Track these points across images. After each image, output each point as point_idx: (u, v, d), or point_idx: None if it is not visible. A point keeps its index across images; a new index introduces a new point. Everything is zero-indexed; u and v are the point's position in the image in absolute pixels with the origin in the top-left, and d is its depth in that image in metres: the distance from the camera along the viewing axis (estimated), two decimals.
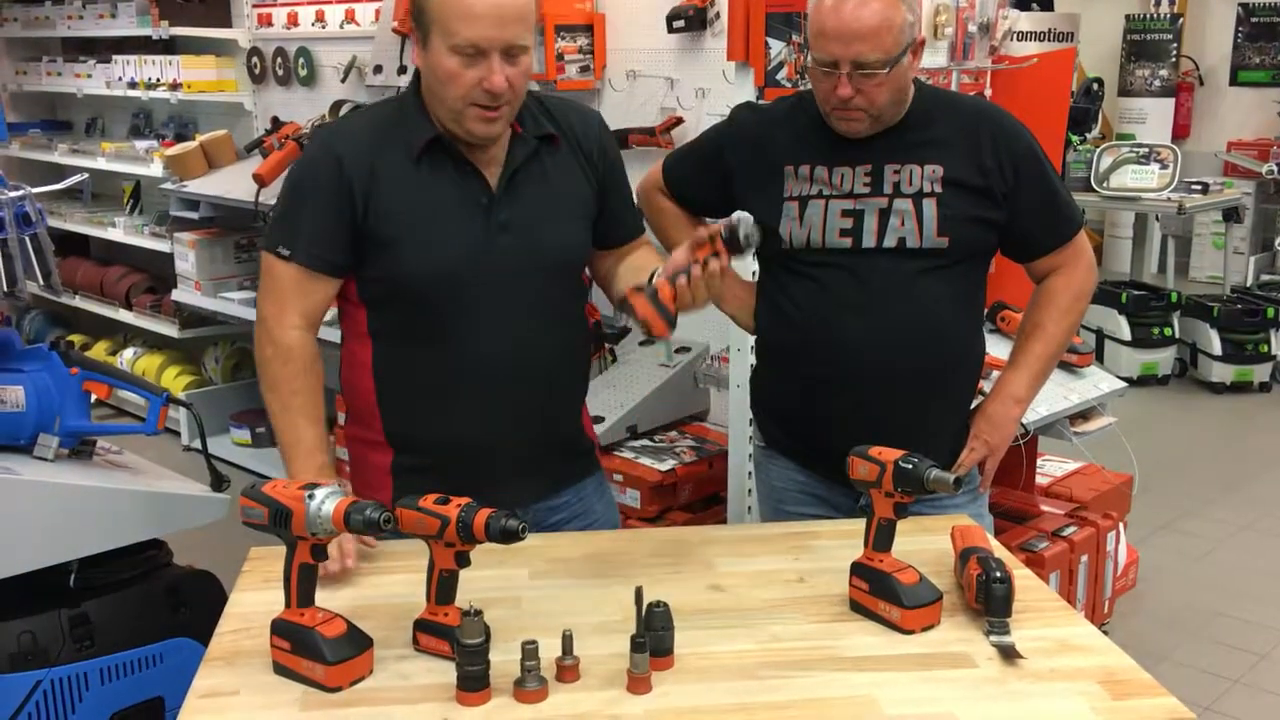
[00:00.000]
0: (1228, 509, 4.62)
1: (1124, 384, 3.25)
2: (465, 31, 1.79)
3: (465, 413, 1.96)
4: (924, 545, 1.90)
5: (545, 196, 1.97)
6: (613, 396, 3.57)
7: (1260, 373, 6.15)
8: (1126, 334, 6.19)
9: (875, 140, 2.09)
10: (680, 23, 3.39)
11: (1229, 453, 5.35)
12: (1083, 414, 3.13)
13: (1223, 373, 6.13)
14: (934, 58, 3.23)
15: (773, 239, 2.14)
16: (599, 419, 3.47)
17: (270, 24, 5.00)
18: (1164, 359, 6.25)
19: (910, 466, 1.67)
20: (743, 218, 1.81)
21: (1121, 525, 3.52)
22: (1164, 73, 8.68)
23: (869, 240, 2.07)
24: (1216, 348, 6.13)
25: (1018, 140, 2.10)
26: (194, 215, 4.91)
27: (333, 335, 2.14)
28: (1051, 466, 3.84)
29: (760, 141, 2.18)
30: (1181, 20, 8.71)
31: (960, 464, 2.18)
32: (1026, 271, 2.23)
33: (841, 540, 1.92)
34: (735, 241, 1.81)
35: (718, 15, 3.32)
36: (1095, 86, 7.31)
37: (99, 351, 5.94)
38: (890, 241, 2.07)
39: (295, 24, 4.87)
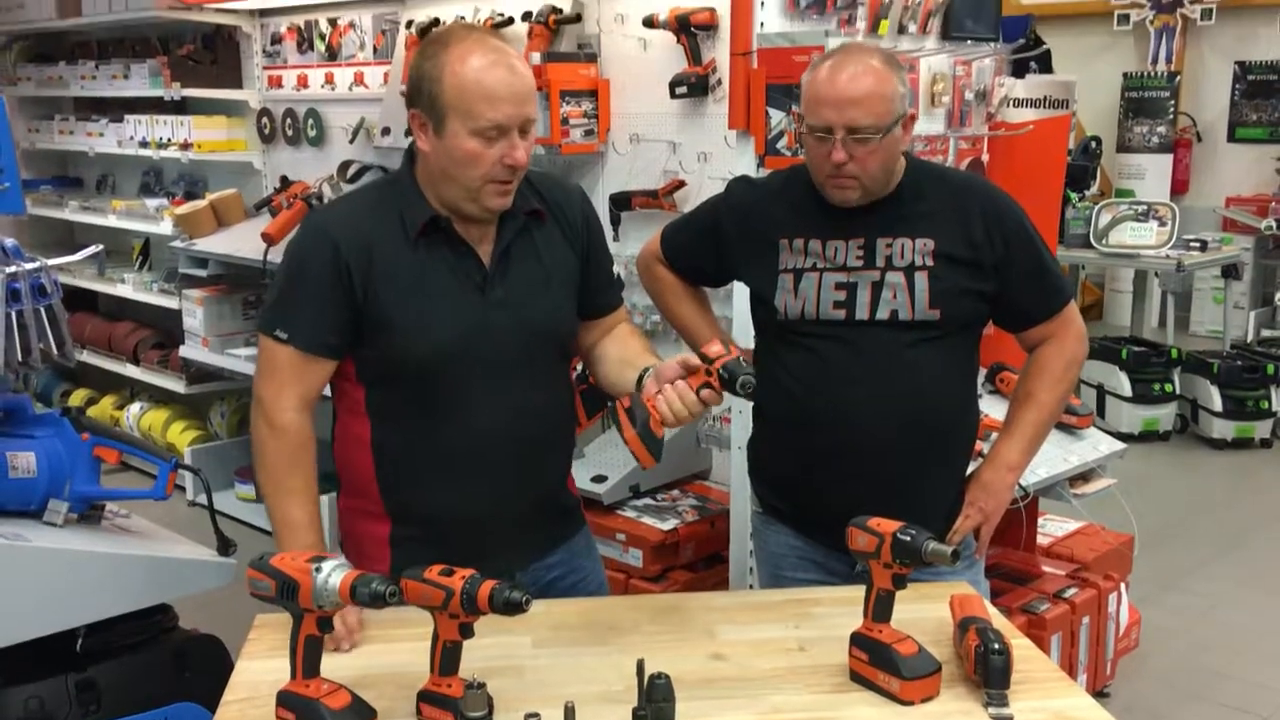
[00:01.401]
0: (1230, 567, 4.62)
1: (1123, 445, 3.27)
2: (490, 114, 1.84)
3: (463, 484, 1.99)
4: (923, 614, 1.91)
5: (535, 271, 2.02)
6: (615, 455, 3.59)
7: (1261, 429, 6.16)
8: (1127, 390, 6.21)
9: (868, 213, 2.13)
10: (683, 89, 3.45)
11: (1231, 510, 5.35)
12: (1082, 475, 3.15)
13: (1224, 429, 6.14)
14: (931, 125, 3.29)
15: (768, 310, 2.19)
16: (602, 478, 3.49)
17: (280, 86, 5.09)
18: (1165, 415, 6.26)
19: (908, 539, 1.69)
20: (743, 368, 1.80)
21: (1123, 586, 3.53)
22: (1162, 129, 8.77)
23: (862, 313, 2.11)
24: (1217, 404, 6.14)
25: (1007, 214, 2.15)
26: (202, 272, 4.97)
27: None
28: (1052, 526, 3.85)
29: (755, 214, 2.24)
30: (1178, 78, 8.82)
31: (955, 531, 2.21)
32: (1018, 341, 2.27)
33: (841, 608, 1.94)
34: (731, 385, 1.80)
35: (719, 82, 3.38)
36: (1093, 144, 7.40)
37: (105, 406, 5.97)
38: (883, 314, 2.11)
39: (305, 86, 4.96)
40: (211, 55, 5.42)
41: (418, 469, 2.00)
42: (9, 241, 2.17)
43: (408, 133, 1.98)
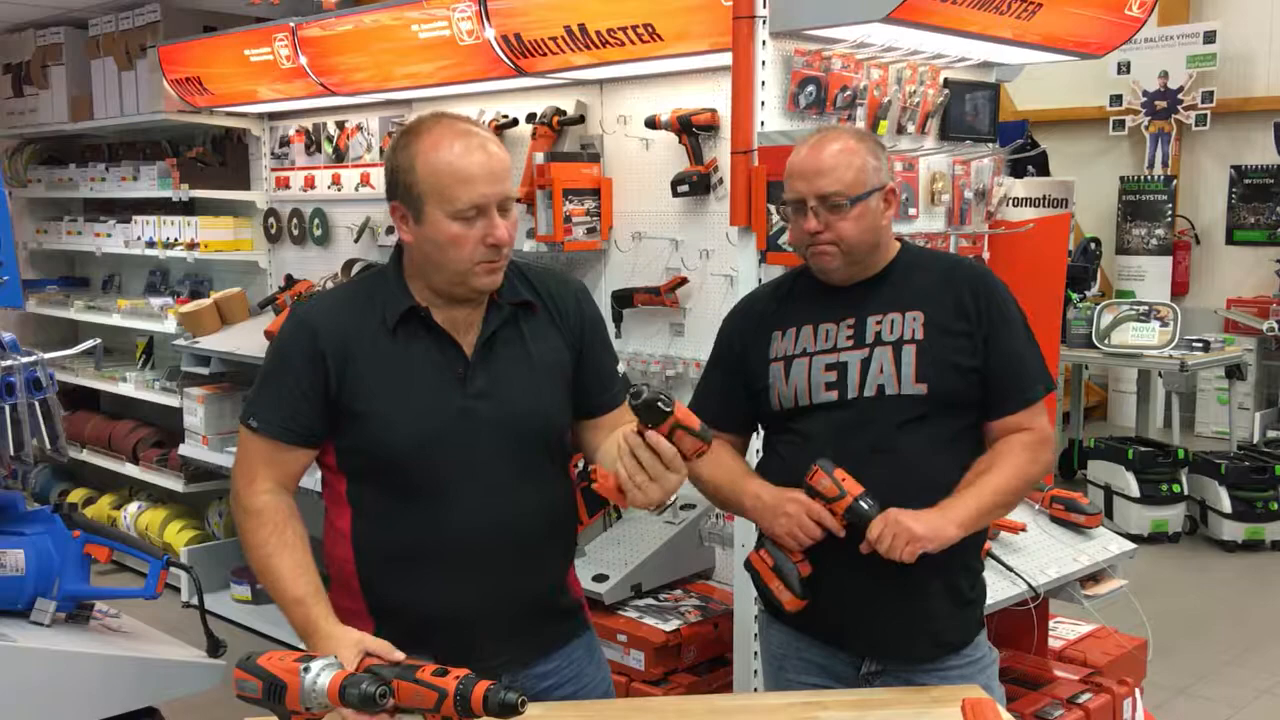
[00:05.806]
0: (1246, 672, 4.51)
1: (1134, 546, 3.22)
2: (466, 195, 1.84)
3: (447, 582, 1.93)
4: (935, 719, 1.85)
5: (521, 363, 1.99)
6: (617, 554, 3.54)
7: (1272, 531, 6.07)
8: (1135, 490, 6.15)
9: (858, 293, 2.15)
10: (684, 187, 3.49)
11: (1245, 614, 5.25)
12: (1093, 576, 3.09)
13: (1234, 530, 6.06)
14: (932, 222, 3.31)
15: (764, 401, 2.17)
16: (603, 577, 3.43)
17: (288, 186, 5.16)
18: (1174, 516, 6.18)
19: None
20: (645, 389, 1.68)
21: (1138, 691, 3.43)
22: (1160, 232, 8.85)
23: (852, 391, 2.10)
24: (1226, 505, 6.07)
25: (996, 292, 2.15)
26: (205, 370, 4.97)
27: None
28: (1064, 629, 3.76)
29: (753, 314, 2.26)
30: (1175, 182, 8.92)
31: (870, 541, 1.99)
32: (986, 436, 2.15)
33: (850, 712, 1.88)
34: (639, 410, 1.68)
35: (720, 180, 3.41)
36: (1093, 246, 7.46)
37: (103, 506, 5.92)
38: (870, 390, 2.09)
39: (312, 186, 5.02)
40: (220, 157, 5.51)
41: (397, 564, 1.94)
42: (6, 335, 2.16)
43: None
